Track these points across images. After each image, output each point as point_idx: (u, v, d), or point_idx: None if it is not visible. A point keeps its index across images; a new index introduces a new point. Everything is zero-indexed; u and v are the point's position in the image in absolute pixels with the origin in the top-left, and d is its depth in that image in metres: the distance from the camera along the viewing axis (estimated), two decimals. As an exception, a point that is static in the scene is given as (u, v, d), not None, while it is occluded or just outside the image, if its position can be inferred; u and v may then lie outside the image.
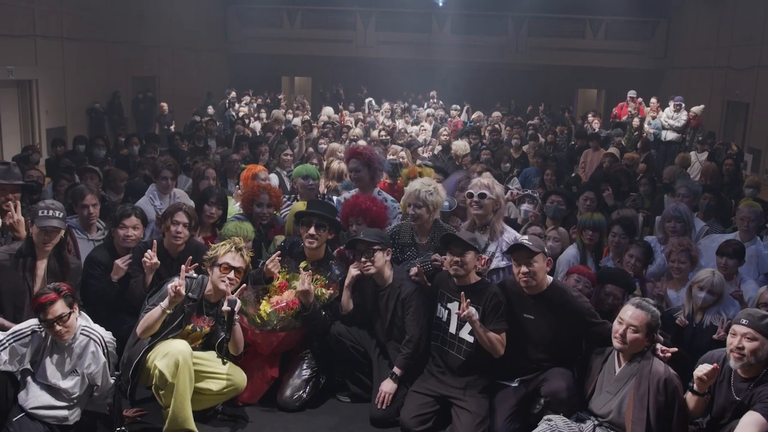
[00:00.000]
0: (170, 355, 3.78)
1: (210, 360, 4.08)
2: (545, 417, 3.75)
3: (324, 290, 4.41)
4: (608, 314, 4.17)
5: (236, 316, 3.99)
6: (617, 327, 3.60)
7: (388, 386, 4.24)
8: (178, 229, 4.53)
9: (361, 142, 9.08)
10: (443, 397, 4.15)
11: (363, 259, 4.27)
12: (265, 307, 4.32)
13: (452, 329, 4.16)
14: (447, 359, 4.21)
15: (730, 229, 5.85)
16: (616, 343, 3.62)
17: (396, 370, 4.27)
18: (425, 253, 4.61)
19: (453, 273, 4.10)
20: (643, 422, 3.40)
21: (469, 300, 3.99)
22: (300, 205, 5.16)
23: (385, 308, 4.37)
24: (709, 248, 5.26)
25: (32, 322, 3.67)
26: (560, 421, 3.70)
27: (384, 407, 4.18)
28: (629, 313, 3.57)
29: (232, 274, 4.00)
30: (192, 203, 5.41)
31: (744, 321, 3.40)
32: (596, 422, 3.71)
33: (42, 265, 4.22)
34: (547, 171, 7.59)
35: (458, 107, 14.59)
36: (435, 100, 17.20)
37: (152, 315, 3.81)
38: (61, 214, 4.18)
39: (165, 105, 14.78)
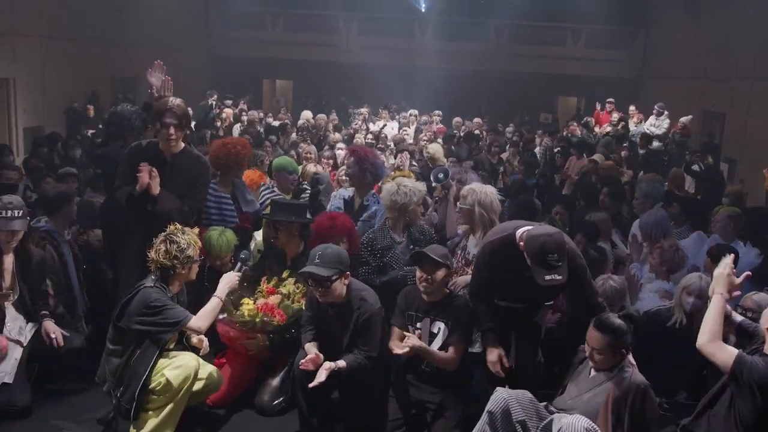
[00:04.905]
0: (183, 368, 3.86)
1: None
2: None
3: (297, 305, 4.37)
4: None
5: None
6: (586, 347, 3.62)
7: (319, 370, 3.82)
8: (170, 132, 4.37)
9: (341, 145, 9.14)
10: (419, 401, 4.12)
11: (321, 290, 3.95)
12: (248, 305, 4.34)
13: None
14: (419, 371, 4.15)
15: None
16: (590, 361, 3.65)
17: (341, 363, 3.90)
18: (404, 253, 4.61)
19: (422, 290, 4.06)
20: (617, 425, 3.43)
21: (410, 346, 3.90)
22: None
23: (341, 324, 4.08)
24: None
25: None
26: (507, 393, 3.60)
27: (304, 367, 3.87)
28: (590, 335, 3.57)
29: None
30: None
31: None
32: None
33: (8, 260, 4.22)
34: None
35: (440, 113, 14.61)
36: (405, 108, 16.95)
37: (215, 308, 4.04)
38: (21, 212, 4.15)
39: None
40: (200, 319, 3.93)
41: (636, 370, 3.59)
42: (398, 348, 3.97)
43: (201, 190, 4.65)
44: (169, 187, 4.35)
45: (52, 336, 4.33)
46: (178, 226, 4.02)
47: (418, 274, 4.04)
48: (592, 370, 3.69)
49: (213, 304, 4.04)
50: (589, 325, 3.59)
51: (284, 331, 4.37)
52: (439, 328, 4.07)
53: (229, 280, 4.17)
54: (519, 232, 3.71)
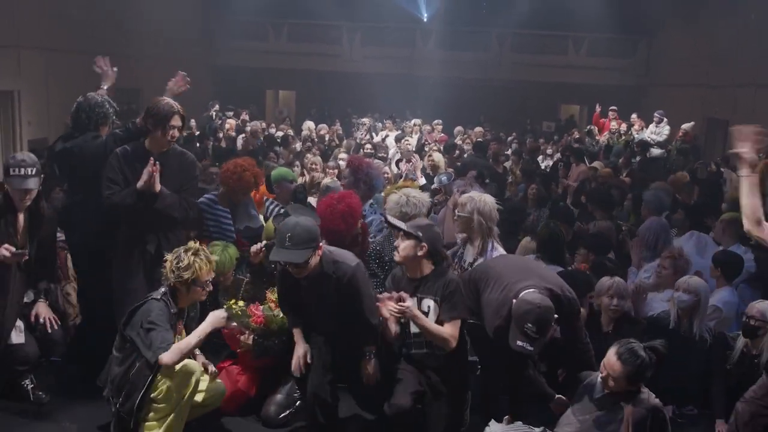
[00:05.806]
0: (184, 375, 3.79)
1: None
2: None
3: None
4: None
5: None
6: (602, 369, 3.52)
7: (373, 367, 3.93)
8: (175, 133, 4.44)
9: (343, 155, 9.16)
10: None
11: (295, 270, 3.83)
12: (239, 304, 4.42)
13: (414, 329, 3.92)
14: (423, 362, 3.97)
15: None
16: (602, 385, 3.57)
17: (369, 347, 3.95)
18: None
19: (396, 260, 3.93)
20: None
21: (405, 309, 3.72)
22: (271, 225, 5.13)
23: (318, 293, 3.94)
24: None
25: None
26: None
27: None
28: (610, 361, 3.44)
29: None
30: None
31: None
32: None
33: (21, 217, 4.16)
34: (532, 186, 7.73)
35: (440, 122, 14.65)
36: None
37: (190, 345, 3.74)
38: (35, 170, 4.06)
39: None
40: (170, 354, 3.65)
41: (649, 392, 3.52)
42: (388, 312, 3.73)
43: (193, 183, 4.75)
44: (162, 184, 4.39)
45: (41, 320, 4.30)
46: (199, 245, 3.95)
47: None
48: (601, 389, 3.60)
49: (190, 342, 3.77)
50: (612, 348, 3.47)
51: (266, 336, 4.35)
52: (429, 306, 3.85)
53: (215, 317, 3.90)
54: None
